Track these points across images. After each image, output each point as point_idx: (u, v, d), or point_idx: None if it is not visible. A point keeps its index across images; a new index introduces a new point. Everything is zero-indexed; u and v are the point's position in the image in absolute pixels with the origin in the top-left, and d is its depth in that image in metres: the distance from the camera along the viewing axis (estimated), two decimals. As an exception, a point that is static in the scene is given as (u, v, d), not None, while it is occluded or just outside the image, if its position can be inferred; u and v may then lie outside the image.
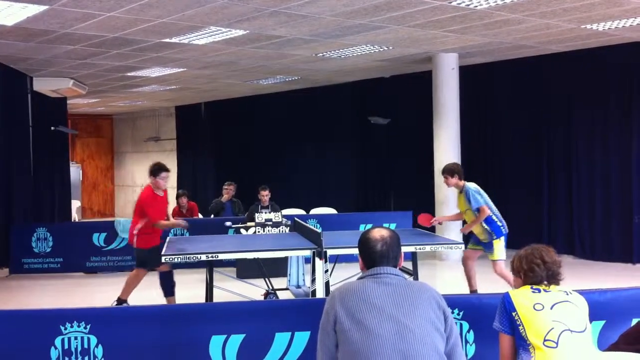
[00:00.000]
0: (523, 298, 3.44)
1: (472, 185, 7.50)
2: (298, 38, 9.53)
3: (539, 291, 3.45)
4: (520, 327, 3.36)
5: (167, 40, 9.42)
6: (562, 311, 3.36)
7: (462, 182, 7.54)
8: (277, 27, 8.75)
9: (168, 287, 7.44)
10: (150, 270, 7.56)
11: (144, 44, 9.70)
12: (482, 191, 7.49)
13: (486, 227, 7.35)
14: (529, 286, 3.50)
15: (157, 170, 7.57)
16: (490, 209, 7.33)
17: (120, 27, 8.48)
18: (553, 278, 3.52)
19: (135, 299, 7.50)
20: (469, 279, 7.72)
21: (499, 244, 7.37)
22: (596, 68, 10.89)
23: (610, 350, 3.57)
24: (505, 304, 3.46)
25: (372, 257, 3.07)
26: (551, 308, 3.36)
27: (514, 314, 3.40)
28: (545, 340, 3.27)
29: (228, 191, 11.89)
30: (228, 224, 9.69)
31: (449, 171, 7.60)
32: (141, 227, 7.42)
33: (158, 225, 7.45)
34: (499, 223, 7.36)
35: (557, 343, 3.26)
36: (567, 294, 3.46)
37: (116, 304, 7.43)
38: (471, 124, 12.32)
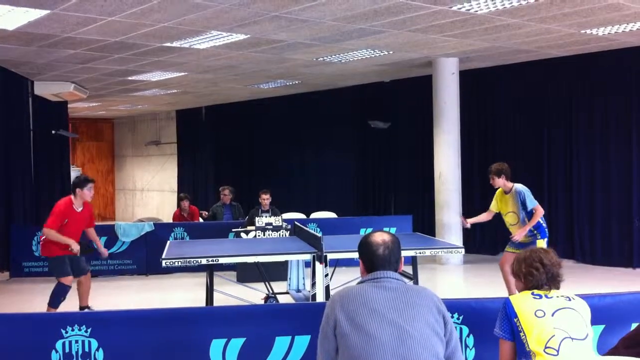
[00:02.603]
0: (524, 304, 3.43)
1: (522, 186, 7.39)
2: (298, 42, 9.55)
3: (540, 297, 3.44)
4: (521, 334, 3.35)
5: (168, 44, 9.44)
6: (564, 318, 3.36)
7: (510, 184, 7.44)
8: (278, 32, 8.77)
9: (56, 298, 7.27)
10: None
11: (145, 48, 9.72)
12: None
13: (533, 228, 7.29)
14: (530, 292, 3.50)
15: (83, 181, 7.47)
16: None
17: (122, 31, 8.51)
18: (553, 280, 3.51)
19: (135, 303, 7.50)
20: (508, 284, 7.29)
21: (543, 245, 7.27)
22: (596, 73, 10.90)
23: (610, 354, 3.57)
24: (507, 309, 3.45)
25: (373, 261, 3.07)
26: (552, 315, 3.35)
27: (515, 320, 3.39)
28: (546, 347, 3.27)
29: (224, 196, 11.92)
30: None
31: (496, 172, 7.45)
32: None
33: (49, 234, 7.24)
34: (544, 224, 7.32)
35: (557, 351, 3.25)
36: (569, 300, 3.46)
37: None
38: (471, 128, 12.34)
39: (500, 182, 7.41)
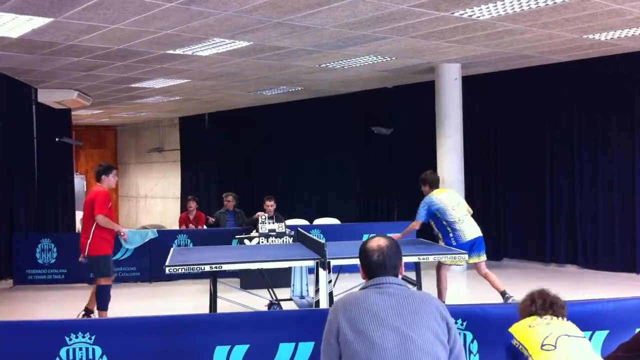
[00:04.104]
0: (518, 325, 3.54)
1: (427, 197, 7.84)
2: (301, 49, 9.57)
3: (534, 317, 3.56)
4: (520, 347, 3.39)
5: (171, 51, 9.47)
6: (559, 324, 3.44)
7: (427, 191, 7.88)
8: (281, 38, 8.79)
9: (104, 300, 7.37)
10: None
11: (148, 56, 9.75)
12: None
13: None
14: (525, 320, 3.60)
15: (107, 168, 7.63)
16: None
17: (125, 39, 8.53)
18: (554, 312, 3.58)
19: (139, 310, 7.51)
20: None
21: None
22: (598, 78, 10.90)
23: (610, 359, 3.57)
24: (507, 343, 3.51)
25: (369, 267, 3.07)
26: (547, 324, 3.44)
27: (513, 342, 3.45)
28: (543, 345, 3.31)
29: (227, 202, 11.95)
30: None
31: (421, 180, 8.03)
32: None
33: (104, 221, 7.34)
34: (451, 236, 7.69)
35: (555, 346, 3.29)
36: (562, 319, 3.55)
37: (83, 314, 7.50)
38: (474, 133, 12.33)
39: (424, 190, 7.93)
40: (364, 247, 3.13)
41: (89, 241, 7.33)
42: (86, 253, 7.35)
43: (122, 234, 7.70)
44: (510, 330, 3.51)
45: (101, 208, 7.30)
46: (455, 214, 7.63)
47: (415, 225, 7.74)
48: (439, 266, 7.67)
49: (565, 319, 3.54)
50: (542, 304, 3.56)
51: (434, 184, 7.85)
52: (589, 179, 11.10)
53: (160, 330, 4.44)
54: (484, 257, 7.70)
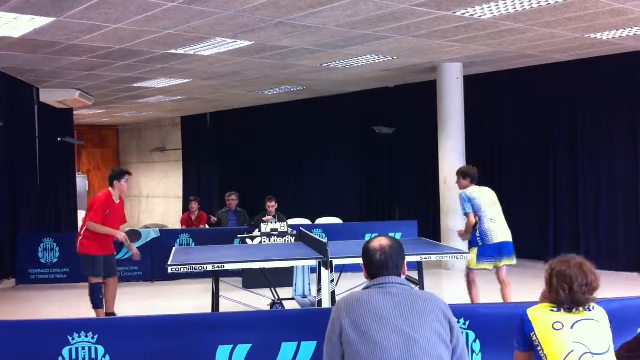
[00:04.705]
0: (541, 317, 3.26)
1: (464, 191, 7.55)
2: (303, 48, 9.57)
3: (559, 309, 3.26)
4: (539, 348, 3.19)
5: (173, 51, 9.47)
6: (584, 330, 3.19)
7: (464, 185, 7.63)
8: (282, 38, 8.79)
9: (96, 298, 7.44)
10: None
11: (149, 55, 9.75)
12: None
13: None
14: (549, 305, 3.31)
15: (119, 174, 7.64)
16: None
17: (127, 38, 8.54)
18: (578, 305, 3.26)
19: (141, 309, 7.52)
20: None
21: (472, 255, 7.37)
22: (600, 77, 10.89)
23: None
24: (524, 325, 3.29)
25: (371, 267, 3.08)
26: (572, 327, 3.18)
27: (532, 334, 3.23)
28: None
29: (230, 201, 11.95)
30: None
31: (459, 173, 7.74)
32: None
33: (94, 228, 7.38)
34: (478, 233, 7.39)
35: None
36: (590, 310, 3.27)
37: None
38: (476, 133, 12.33)
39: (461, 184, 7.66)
40: (366, 247, 3.14)
41: (80, 239, 7.48)
42: (77, 250, 7.52)
43: (125, 240, 7.65)
44: (531, 319, 3.25)
45: (95, 215, 7.36)
46: (488, 212, 7.35)
47: (471, 218, 7.31)
48: (466, 271, 7.48)
49: (593, 306, 3.28)
50: (575, 302, 3.25)
51: (475, 179, 7.57)
52: (592, 178, 11.10)
53: (162, 330, 4.44)
54: (513, 261, 7.42)
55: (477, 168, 7.83)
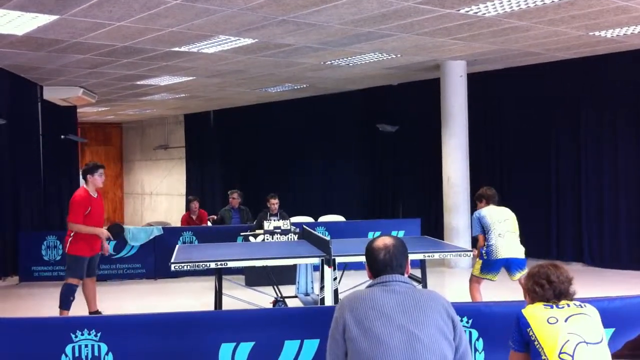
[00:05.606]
0: (536, 313, 3.39)
1: (477, 212, 7.53)
2: (306, 46, 9.56)
3: (552, 307, 3.40)
4: (535, 342, 3.30)
5: (177, 49, 9.47)
6: (577, 323, 3.31)
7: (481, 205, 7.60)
8: (286, 36, 8.79)
9: (66, 299, 7.32)
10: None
11: (153, 53, 9.75)
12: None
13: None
14: (542, 302, 3.45)
15: (93, 167, 7.51)
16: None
17: (130, 36, 8.54)
18: (562, 296, 3.45)
19: (144, 307, 7.52)
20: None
21: (477, 266, 7.39)
22: (604, 75, 10.87)
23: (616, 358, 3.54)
24: (519, 322, 3.41)
25: (375, 265, 3.09)
26: (565, 321, 3.31)
27: (528, 330, 3.35)
28: (560, 353, 3.21)
29: (232, 199, 11.94)
30: None
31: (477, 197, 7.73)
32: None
33: (76, 228, 7.27)
34: (485, 248, 7.35)
35: (572, 356, 3.20)
36: (581, 307, 3.41)
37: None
38: (479, 131, 12.32)
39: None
40: (370, 246, 3.15)
41: (70, 239, 7.37)
42: (66, 250, 7.40)
43: (103, 246, 7.57)
44: (526, 316, 3.39)
45: (73, 216, 7.26)
46: (497, 228, 7.22)
47: (480, 240, 7.31)
48: (470, 279, 7.47)
49: (573, 299, 3.45)
50: (558, 294, 3.44)
51: (491, 199, 7.51)
52: (595, 177, 11.08)
53: (165, 328, 4.44)
54: (525, 271, 7.42)
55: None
